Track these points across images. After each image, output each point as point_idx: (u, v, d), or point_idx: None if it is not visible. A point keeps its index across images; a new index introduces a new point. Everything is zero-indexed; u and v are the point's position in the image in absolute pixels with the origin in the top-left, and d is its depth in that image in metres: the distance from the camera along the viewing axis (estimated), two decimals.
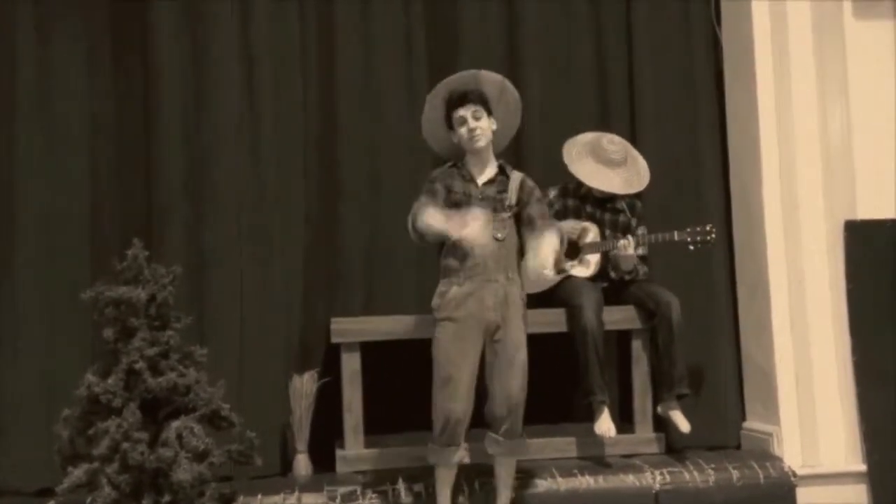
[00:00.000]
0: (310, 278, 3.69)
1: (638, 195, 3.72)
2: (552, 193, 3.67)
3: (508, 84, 3.08)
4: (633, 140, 3.78)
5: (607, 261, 3.60)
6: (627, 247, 3.42)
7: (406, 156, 3.77)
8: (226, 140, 3.55)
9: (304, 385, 3.39)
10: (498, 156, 3.09)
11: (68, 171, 3.46)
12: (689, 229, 3.42)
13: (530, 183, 3.05)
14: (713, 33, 3.91)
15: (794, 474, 3.31)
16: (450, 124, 3.03)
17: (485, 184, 2.99)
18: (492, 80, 3.06)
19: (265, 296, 3.55)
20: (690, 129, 3.88)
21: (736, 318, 3.76)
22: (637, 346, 3.53)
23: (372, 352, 3.45)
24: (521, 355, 2.91)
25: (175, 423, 2.41)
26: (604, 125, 3.79)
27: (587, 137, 3.62)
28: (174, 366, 2.48)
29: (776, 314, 3.50)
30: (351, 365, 3.38)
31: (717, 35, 3.90)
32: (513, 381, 2.89)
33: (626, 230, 3.62)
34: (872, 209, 3.46)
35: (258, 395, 3.42)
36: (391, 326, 3.48)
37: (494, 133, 3.02)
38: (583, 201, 3.65)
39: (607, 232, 3.63)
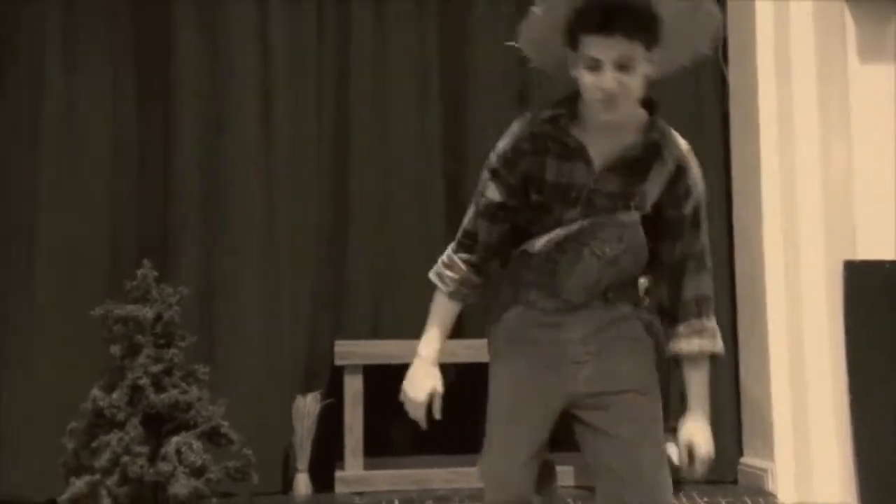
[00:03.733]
0: (317, 301, 3.77)
1: None
2: None
3: (709, 4, 1.74)
4: None
5: None
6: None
7: (417, 180, 3.87)
8: (241, 166, 3.67)
9: (307, 406, 3.46)
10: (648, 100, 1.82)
11: (89, 194, 3.59)
12: None
13: (693, 175, 1.85)
14: (721, 75, 3.99)
15: None
16: (572, 43, 1.73)
17: (609, 169, 1.78)
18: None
19: (273, 318, 3.64)
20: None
21: (736, 354, 3.79)
22: None
23: (375, 374, 3.53)
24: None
25: (175, 439, 2.50)
26: None
27: None
28: (177, 383, 2.58)
29: (774, 351, 3.53)
30: (353, 387, 3.46)
31: (725, 76, 3.97)
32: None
33: None
34: (871, 250, 3.49)
35: (262, 415, 3.49)
36: (395, 350, 3.54)
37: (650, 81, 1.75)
38: None
39: None
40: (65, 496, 2.44)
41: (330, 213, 3.85)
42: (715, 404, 3.72)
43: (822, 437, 3.43)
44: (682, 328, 1.83)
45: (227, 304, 3.61)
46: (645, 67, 1.71)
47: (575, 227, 1.77)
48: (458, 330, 3.84)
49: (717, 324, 3.89)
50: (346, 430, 3.44)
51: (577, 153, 1.77)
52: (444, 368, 3.74)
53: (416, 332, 3.68)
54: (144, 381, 2.50)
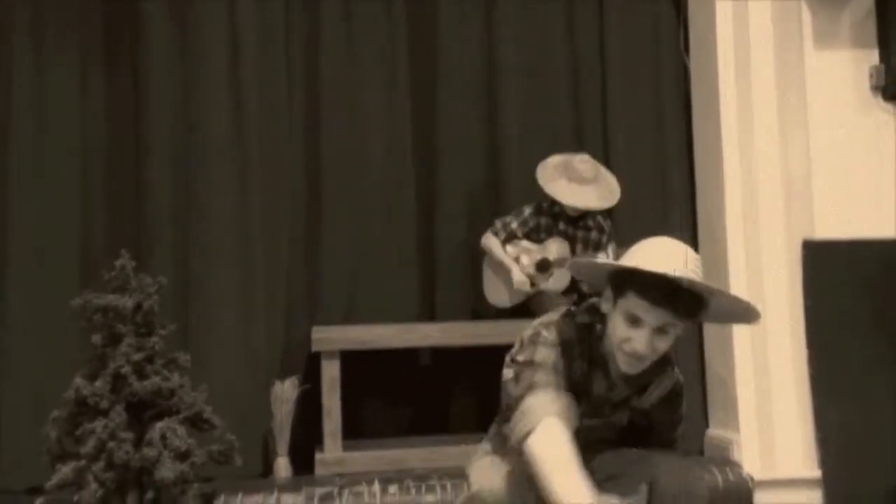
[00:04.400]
0: (292, 289, 3.83)
1: (608, 214, 3.90)
2: (527, 211, 3.84)
3: (754, 308, 1.92)
4: (606, 164, 3.95)
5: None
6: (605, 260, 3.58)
7: (387, 168, 3.95)
8: (213, 160, 3.70)
9: (285, 391, 3.52)
10: None
11: (59, 188, 3.60)
12: None
13: (681, 404, 2.06)
14: (683, 63, 4.09)
15: (752, 479, 3.46)
16: (617, 287, 1.84)
17: (628, 379, 1.91)
18: (730, 301, 1.92)
19: (248, 306, 3.69)
20: (659, 154, 4.05)
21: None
22: None
23: (351, 360, 3.60)
24: None
25: (159, 424, 2.56)
26: (578, 149, 3.94)
27: (557, 159, 3.79)
28: (159, 370, 2.63)
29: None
30: (330, 372, 3.53)
31: (686, 65, 4.08)
32: None
33: (596, 247, 3.80)
34: (829, 229, 3.63)
35: (240, 401, 3.55)
36: (370, 335, 3.64)
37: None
38: (555, 219, 3.83)
39: (578, 248, 3.80)
40: (52, 482, 2.48)
41: (302, 203, 3.91)
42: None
43: (785, 411, 3.57)
44: None
45: (202, 295, 3.65)
46: (678, 331, 1.82)
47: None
48: (432, 314, 3.98)
49: None
50: (324, 413, 3.50)
51: (600, 365, 1.88)
52: (419, 352, 3.87)
53: (388, 318, 3.80)
54: (127, 370, 2.55)
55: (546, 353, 1.84)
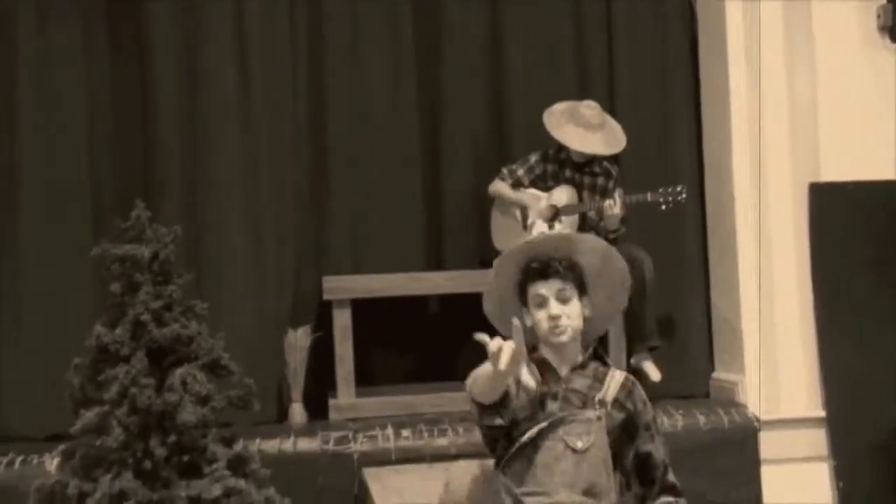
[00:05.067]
0: (301, 240, 3.86)
1: (615, 160, 3.91)
2: (533, 158, 3.85)
3: (614, 252, 2.24)
4: (612, 109, 3.95)
5: (584, 222, 3.80)
6: (613, 206, 3.59)
7: (392, 118, 3.95)
8: (219, 113, 3.71)
9: (298, 339, 3.58)
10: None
11: (68, 148, 3.60)
12: (661, 190, 3.60)
13: (640, 391, 2.23)
14: (690, 6, 4.07)
15: (758, 419, 3.53)
16: (524, 299, 2.20)
17: (573, 370, 2.18)
18: (591, 247, 2.21)
19: (259, 258, 3.72)
20: (666, 98, 4.05)
21: (706, 275, 3.96)
22: None
23: (361, 308, 3.64)
24: None
25: (179, 371, 2.58)
26: (584, 96, 3.94)
27: (563, 106, 3.79)
28: (177, 318, 2.64)
29: (743, 271, 3.69)
30: (342, 320, 3.58)
31: (693, 7, 4.05)
32: None
33: (603, 192, 3.81)
34: (835, 172, 3.65)
35: (253, 350, 3.59)
36: (379, 284, 3.68)
37: (587, 321, 2.18)
38: (561, 166, 3.84)
39: (585, 194, 3.82)
40: (76, 427, 2.52)
41: (309, 155, 3.92)
42: (687, 323, 3.94)
43: (790, 352, 3.63)
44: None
45: (212, 247, 3.69)
46: (580, 306, 2.16)
47: (551, 419, 2.09)
48: (440, 262, 4.02)
49: (689, 246, 4.04)
50: (336, 361, 3.56)
51: (547, 367, 2.18)
52: (428, 300, 3.92)
53: (397, 267, 3.84)
54: (146, 317, 2.56)
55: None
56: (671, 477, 2.19)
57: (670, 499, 2.17)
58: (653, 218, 3.81)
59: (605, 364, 2.23)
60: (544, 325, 2.15)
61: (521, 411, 2.10)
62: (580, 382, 2.16)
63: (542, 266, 2.15)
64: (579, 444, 2.09)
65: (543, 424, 2.09)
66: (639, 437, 2.18)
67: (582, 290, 2.17)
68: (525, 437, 2.09)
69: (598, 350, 2.26)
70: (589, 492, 2.06)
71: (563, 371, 2.18)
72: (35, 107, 3.58)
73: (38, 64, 3.59)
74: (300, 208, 3.88)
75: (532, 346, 2.20)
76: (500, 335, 2.00)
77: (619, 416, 2.16)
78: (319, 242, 3.91)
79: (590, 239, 2.27)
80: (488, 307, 2.26)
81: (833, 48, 3.62)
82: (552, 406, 2.12)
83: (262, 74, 3.76)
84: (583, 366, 2.19)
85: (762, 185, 3.69)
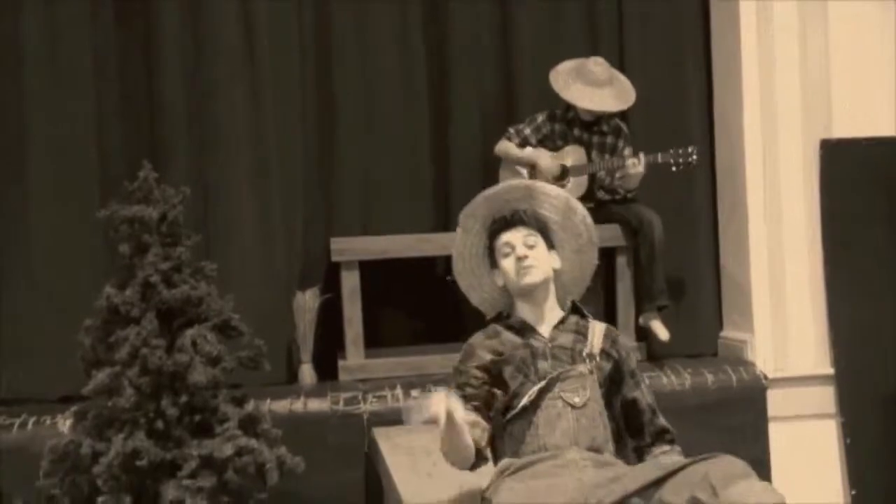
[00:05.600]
0: (309, 202, 3.85)
1: (623, 118, 3.87)
2: (540, 118, 3.82)
3: (575, 203, 2.23)
4: (621, 68, 3.90)
5: (593, 181, 3.77)
6: (637, 164, 3.55)
7: (399, 89, 3.91)
8: (226, 74, 3.67)
9: (307, 301, 3.58)
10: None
11: (75, 108, 3.56)
12: (671, 151, 3.57)
13: (623, 339, 2.26)
14: None
15: (766, 377, 3.54)
16: (493, 261, 2.20)
17: (555, 328, 2.17)
18: (552, 198, 2.21)
19: (267, 219, 3.71)
20: (676, 56, 3.99)
21: (716, 235, 3.95)
22: (621, 262, 3.73)
23: (369, 270, 3.64)
24: None
25: (189, 331, 2.60)
26: (593, 54, 3.89)
27: (570, 64, 3.74)
28: (186, 279, 2.66)
29: (753, 230, 3.67)
30: (350, 282, 3.58)
31: None
32: None
33: (612, 152, 3.78)
34: (847, 129, 3.62)
35: (262, 312, 3.59)
36: (387, 245, 3.67)
37: (558, 274, 2.19)
38: (570, 125, 3.80)
39: (594, 153, 3.79)
40: (89, 387, 2.55)
41: (316, 117, 3.90)
42: (696, 282, 3.94)
43: (799, 310, 3.63)
44: (654, 451, 2.17)
45: (220, 209, 3.67)
46: (549, 256, 2.17)
47: (548, 378, 2.08)
48: (447, 224, 4.01)
49: (698, 205, 4.02)
50: (345, 322, 3.57)
51: (525, 327, 2.17)
52: (436, 262, 3.91)
53: (404, 229, 3.83)
54: (155, 278, 2.58)
55: (470, 362, 2.15)
56: (661, 420, 2.18)
57: (666, 447, 2.14)
58: (663, 177, 3.78)
59: (583, 317, 2.22)
60: (512, 270, 2.15)
61: (513, 380, 2.10)
62: (564, 338, 2.16)
63: (505, 217, 2.17)
64: (577, 400, 2.08)
65: (542, 384, 2.08)
66: (624, 384, 2.17)
67: (549, 243, 2.18)
68: (525, 400, 2.08)
69: (575, 304, 2.25)
70: (591, 447, 2.06)
71: (545, 330, 2.17)
72: (42, 71, 3.55)
73: (44, 29, 3.55)
74: (308, 170, 3.86)
75: (500, 313, 2.23)
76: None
77: (608, 366, 2.16)
78: (327, 204, 3.90)
79: (551, 189, 2.24)
80: (458, 267, 2.26)
81: (846, 5, 3.57)
82: (543, 365, 2.11)
83: (267, 33, 3.72)
84: (563, 321, 2.19)
85: (773, 143, 3.65)
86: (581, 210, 2.23)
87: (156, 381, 2.54)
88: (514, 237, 2.15)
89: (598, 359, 2.14)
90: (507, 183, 2.28)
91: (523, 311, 2.19)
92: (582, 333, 2.17)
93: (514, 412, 2.09)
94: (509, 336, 2.15)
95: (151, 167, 2.83)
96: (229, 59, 3.67)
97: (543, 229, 2.18)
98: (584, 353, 2.13)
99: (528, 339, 2.14)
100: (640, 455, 2.17)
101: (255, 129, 3.71)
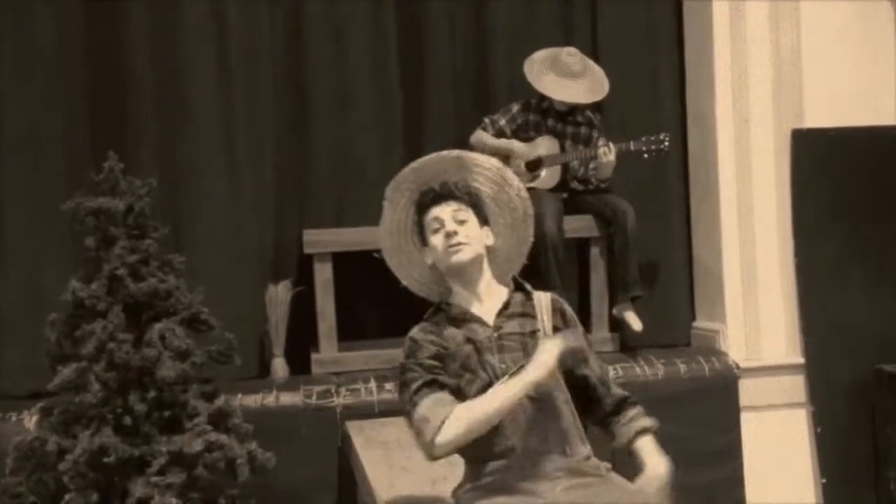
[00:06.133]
0: (281, 192, 3.80)
1: (597, 107, 3.87)
2: (515, 108, 3.80)
3: (510, 174, 2.10)
4: (595, 57, 3.89)
5: (566, 172, 3.77)
6: (608, 153, 3.55)
7: (372, 74, 3.86)
8: (195, 57, 3.61)
9: (280, 293, 3.54)
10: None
11: (42, 92, 3.48)
12: (643, 138, 3.57)
13: (568, 308, 2.11)
14: None
15: (738, 367, 3.56)
16: (423, 239, 2.06)
17: (499, 315, 2.03)
18: (485, 169, 2.07)
19: (238, 210, 3.66)
20: (650, 46, 3.99)
21: (688, 225, 3.95)
22: (595, 252, 3.73)
23: (343, 261, 3.61)
24: None
25: (158, 325, 2.56)
26: (567, 43, 3.88)
27: (544, 54, 3.73)
28: (154, 272, 2.62)
29: (725, 220, 3.69)
30: (323, 274, 3.54)
31: None
32: None
33: (586, 142, 3.78)
34: (818, 119, 3.64)
35: (233, 304, 3.54)
36: (361, 237, 3.62)
37: (492, 251, 2.07)
38: (544, 116, 3.79)
39: (568, 144, 3.78)
40: (54, 383, 2.50)
41: (288, 105, 3.84)
42: (669, 272, 3.95)
43: (770, 300, 3.65)
44: (620, 420, 2.04)
45: (190, 199, 3.62)
46: (481, 232, 2.03)
47: (502, 379, 1.93)
48: None
49: (671, 196, 4.04)
50: (318, 315, 3.54)
51: (463, 317, 2.02)
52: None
53: (378, 220, 3.78)
54: (122, 271, 2.53)
55: (409, 370, 2.03)
56: (617, 389, 2.05)
57: (631, 412, 2.02)
58: (636, 167, 3.78)
59: (526, 293, 2.08)
60: (440, 248, 2.00)
61: (458, 378, 1.96)
62: (511, 325, 2.01)
63: (434, 189, 2.02)
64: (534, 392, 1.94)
65: (497, 385, 1.92)
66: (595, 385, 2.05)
67: (482, 218, 2.04)
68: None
69: (517, 280, 2.11)
70: (561, 438, 1.95)
71: (488, 317, 2.02)
72: (7, 54, 3.47)
73: (10, 9, 3.46)
74: (280, 160, 3.81)
75: (437, 305, 2.09)
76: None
77: None
78: (300, 195, 3.86)
79: (484, 159, 2.09)
80: (385, 244, 2.12)
81: None
82: (491, 359, 1.97)
83: (237, 13, 3.66)
84: (507, 306, 2.04)
85: (745, 133, 3.66)
86: (517, 182, 2.08)
87: (123, 377, 2.50)
88: (444, 212, 2.00)
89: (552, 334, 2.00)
90: (437, 153, 2.10)
91: (459, 295, 2.04)
92: (529, 315, 2.03)
93: None
94: (451, 331, 2.01)
95: (118, 157, 2.78)
96: (199, 41, 3.61)
97: (476, 203, 2.03)
98: (538, 335, 1.99)
99: (471, 332, 1.99)
100: (606, 428, 2.05)
101: (225, 117, 3.65)
